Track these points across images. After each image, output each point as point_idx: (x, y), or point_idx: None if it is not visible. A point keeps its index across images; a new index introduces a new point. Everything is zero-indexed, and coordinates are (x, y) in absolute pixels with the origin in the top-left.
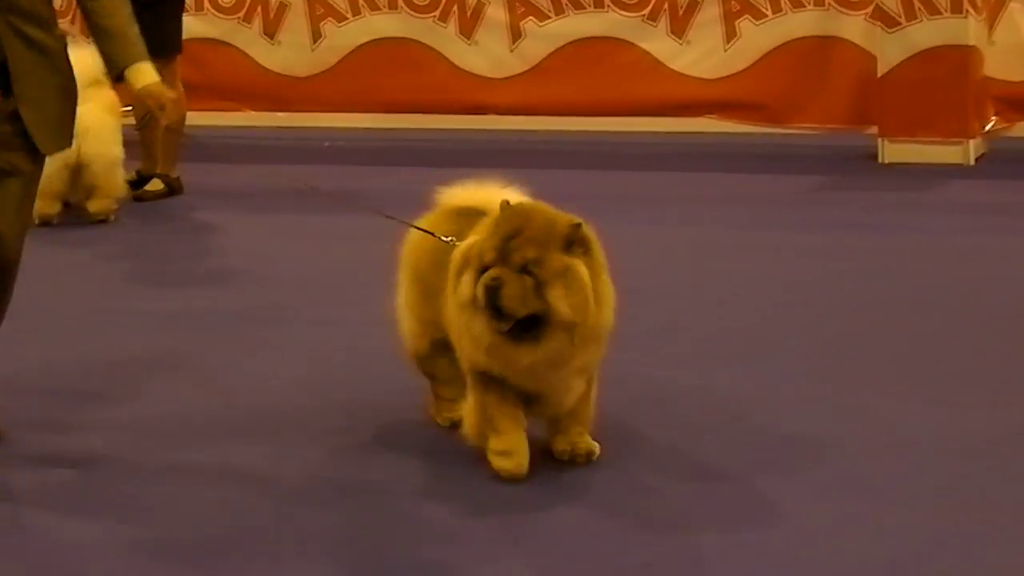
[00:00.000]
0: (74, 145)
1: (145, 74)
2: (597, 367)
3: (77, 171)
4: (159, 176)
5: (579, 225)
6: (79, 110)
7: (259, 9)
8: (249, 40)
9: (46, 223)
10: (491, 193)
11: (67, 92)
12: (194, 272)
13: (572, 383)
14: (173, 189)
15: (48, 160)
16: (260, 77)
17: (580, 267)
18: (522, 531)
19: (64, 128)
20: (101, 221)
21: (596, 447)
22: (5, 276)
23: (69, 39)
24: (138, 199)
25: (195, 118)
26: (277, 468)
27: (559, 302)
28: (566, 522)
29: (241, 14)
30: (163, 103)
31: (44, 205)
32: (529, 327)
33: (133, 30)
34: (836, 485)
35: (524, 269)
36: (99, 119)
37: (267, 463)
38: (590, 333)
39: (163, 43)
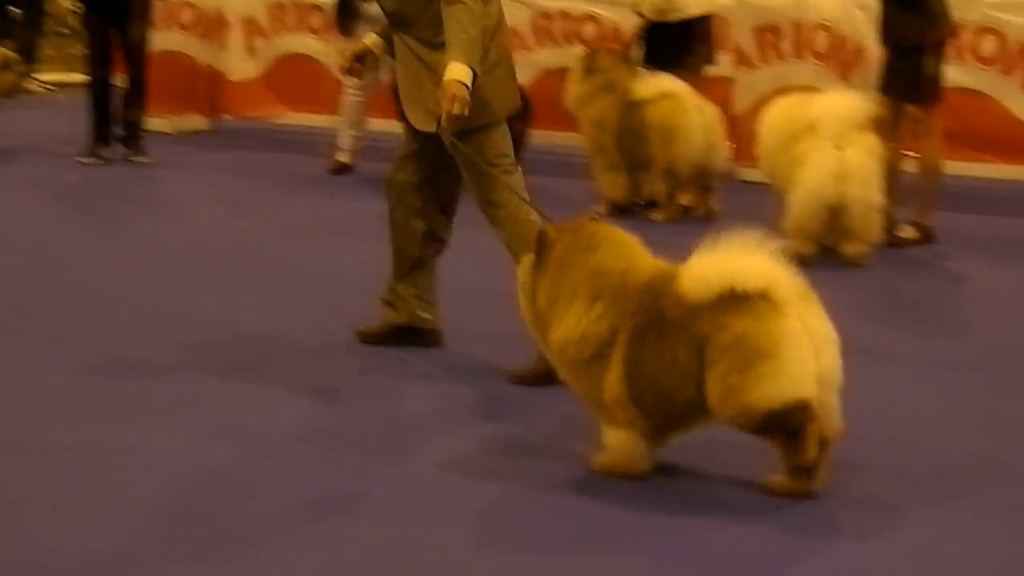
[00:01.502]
0: (835, 188)
1: (451, 70)
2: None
3: (836, 213)
4: (913, 223)
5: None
6: (843, 154)
7: (1021, 61)
8: (1008, 92)
9: (801, 263)
10: None
11: (418, 79)
12: (945, 321)
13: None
14: (926, 236)
15: (808, 200)
16: (1016, 129)
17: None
18: None
19: (413, 104)
20: (855, 265)
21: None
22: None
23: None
24: (892, 245)
25: (952, 167)
26: None
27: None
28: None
29: (1002, 65)
30: (455, 97)
31: (800, 244)
32: None
33: (460, 37)
34: None
35: None
36: (861, 163)
37: None
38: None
39: (922, 91)
